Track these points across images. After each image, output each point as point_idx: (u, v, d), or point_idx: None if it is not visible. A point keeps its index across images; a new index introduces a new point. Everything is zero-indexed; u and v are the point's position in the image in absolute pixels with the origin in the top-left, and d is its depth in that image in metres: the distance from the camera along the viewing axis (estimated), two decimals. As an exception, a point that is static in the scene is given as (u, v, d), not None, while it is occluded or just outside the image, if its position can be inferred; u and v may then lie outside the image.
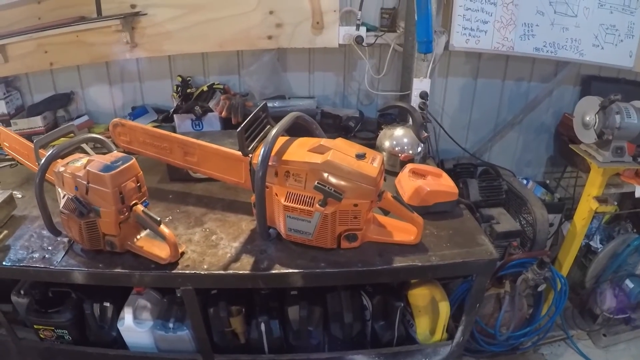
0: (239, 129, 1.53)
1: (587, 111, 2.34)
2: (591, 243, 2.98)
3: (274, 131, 1.49)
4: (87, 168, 1.49)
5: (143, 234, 1.66)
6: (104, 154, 1.64)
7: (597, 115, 2.28)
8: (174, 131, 2.25)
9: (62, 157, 1.64)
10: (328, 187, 1.46)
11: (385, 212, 1.71)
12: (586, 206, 2.50)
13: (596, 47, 2.70)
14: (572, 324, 2.95)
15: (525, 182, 3.01)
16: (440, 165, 2.71)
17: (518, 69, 2.94)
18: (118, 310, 1.87)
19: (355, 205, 1.52)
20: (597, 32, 2.67)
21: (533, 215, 2.57)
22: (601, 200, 2.44)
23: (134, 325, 1.82)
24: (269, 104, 1.74)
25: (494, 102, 3.04)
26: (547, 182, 3.24)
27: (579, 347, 2.81)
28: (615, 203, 2.52)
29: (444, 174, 1.96)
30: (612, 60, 2.76)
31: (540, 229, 2.55)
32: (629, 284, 2.78)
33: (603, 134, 2.27)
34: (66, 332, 1.89)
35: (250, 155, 1.60)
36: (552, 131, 3.17)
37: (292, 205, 1.52)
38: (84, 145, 1.90)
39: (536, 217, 2.56)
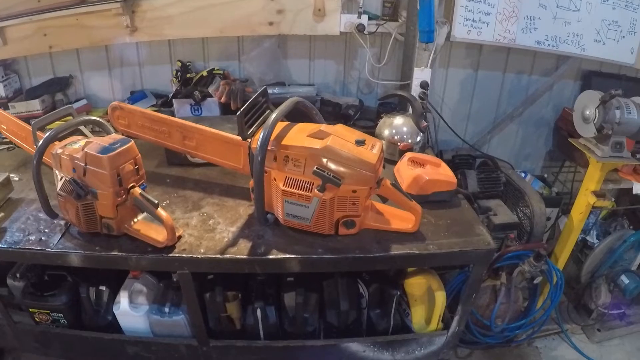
0: (239, 112, 1.52)
1: (588, 105, 2.34)
2: (588, 238, 2.98)
3: (273, 115, 1.48)
4: (85, 150, 1.49)
5: (140, 217, 1.65)
6: (103, 137, 1.63)
7: (597, 110, 2.28)
8: (173, 116, 2.24)
9: (60, 140, 1.64)
10: (327, 173, 1.45)
11: (384, 200, 1.71)
12: (584, 200, 2.50)
13: (598, 42, 2.70)
14: (567, 318, 2.96)
15: (523, 175, 3.01)
16: (439, 155, 2.71)
17: (519, 62, 2.93)
18: (114, 294, 1.88)
19: (354, 191, 1.51)
20: (599, 28, 2.67)
21: (531, 208, 2.57)
22: (599, 194, 2.44)
23: (130, 310, 1.82)
24: (269, 91, 1.72)
25: (494, 95, 3.04)
26: (546, 176, 3.24)
27: (573, 342, 2.82)
28: (613, 199, 2.52)
29: (443, 164, 1.96)
30: (614, 56, 2.76)
31: (537, 222, 2.55)
32: (624, 279, 2.79)
33: (602, 128, 2.27)
34: (62, 315, 1.89)
35: (249, 139, 1.60)
36: (552, 125, 3.17)
37: (290, 190, 1.52)
38: (82, 128, 1.89)
39: (534, 210, 2.55)
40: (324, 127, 1.56)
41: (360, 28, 2.51)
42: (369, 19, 2.54)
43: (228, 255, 1.56)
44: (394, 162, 2.08)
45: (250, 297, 1.88)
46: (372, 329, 1.97)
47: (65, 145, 1.57)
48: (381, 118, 2.37)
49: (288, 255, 1.57)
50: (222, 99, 2.48)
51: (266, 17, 2.51)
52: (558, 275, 2.46)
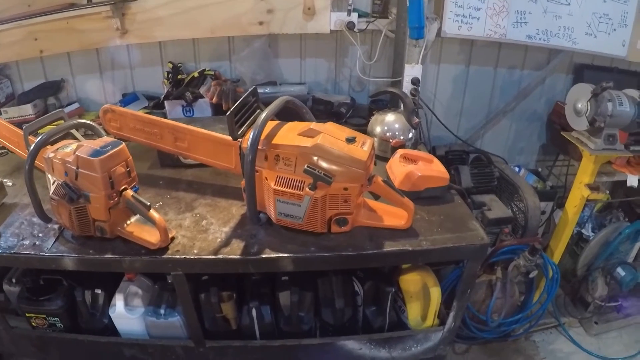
0: (229, 112, 1.53)
1: (579, 98, 2.34)
2: (583, 231, 3.00)
3: (263, 115, 1.48)
4: (77, 153, 1.48)
5: (133, 219, 1.65)
6: (94, 140, 1.63)
7: (589, 103, 2.28)
8: (165, 117, 2.24)
9: (52, 144, 1.63)
10: (318, 171, 1.45)
11: (376, 197, 1.71)
12: (578, 193, 2.51)
13: (589, 35, 2.70)
14: (563, 311, 2.97)
15: (517, 169, 3.02)
16: (432, 151, 2.71)
17: (511, 56, 2.94)
18: (109, 297, 1.87)
19: (345, 189, 1.51)
20: (590, 21, 2.67)
21: (525, 202, 2.58)
22: (593, 187, 2.44)
23: (125, 312, 1.82)
24: (260, 90, 1.73)
25: (487, 90, 3.05)
26: (539, 170, 3.25)
27: (571, 335, 2.83)
28: (607, 192, 2.53)
29: (435, 160, 1.96)
30: (605, 49, 2.76)
31: (532, 216, 2.55)
32: (620, 272, 2.80)
33: (595, 121, 2.27)
34: (58, 319, 1.88)
35: (240, 139, 1.60)
36: (545, 119, 3.18)
37: (282, 189, 1.51)
38: (74, 132, 1.89)
39: (528, 204, 2.56)
40: (314, 125, 1.56)
41: (350, 26, 2.51)
42: (359, 16, 2.54)
43: (221, 256, 1.56)
44: (386, 159, 2.07)
45: (245, 297, 1.88)
46: (368, 327, 1.97)
47: (57, 149, 1.56)
48: (373, 115, 2.36)
49: (281, 254, 1.57)
50: (214, 100, 2.48)
51: (256, 17, 2.51)
52: (554, 268, 2.47)
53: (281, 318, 1.91)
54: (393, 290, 1.88)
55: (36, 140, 1.58)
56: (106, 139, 1.59)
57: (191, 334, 1.85)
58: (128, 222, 1.64)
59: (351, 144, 1.52)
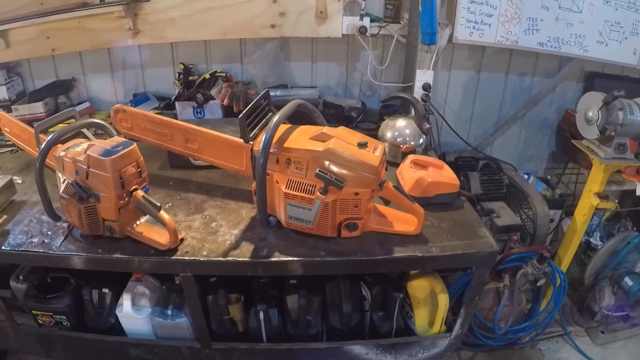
0: (241, 115, 1.52)
1: (590, 106, 2.33)
2: (591, 240, 2.98)
3: (275, 118, 1.48)
4: (88, 152, 1.49)
5: (143, 219, 1.65)
6: (105, 139, 1.63)
7: (600, 111, 2.27)
8: (175, 119, 2.24)
9: (63, 142, 1.64)
10: (329, 175, 1.45)
11: (386, 202, 1.71)
12: (587, 202, 2.49)
13: (600, 43, 2.70)
14: (570, 320, 2.94)
15: (526, 177, 3.01)
16: (442, 157, 2.70)
17: (521, 63, 2.93)
18: (117, 296, 1.87)
19: (356, 194, 1.51)
20: (601, 29, 2.66)
21: (534, 210, 2.57)
22: (602, 196, 2.43)
23: (133, 312, 1.82)
24: (271, 93, 1.73)
25: (497, 97, 3.04)
26: (549, 177, 3.24)
27: (577, 344, 2.81)
28: (616, 201, 2.51)
29: (446, 166, 1.96)
30: (616, 58, 2.75)
31: (540, 224, 2.54)
32: (628, 281, 2.78)
33: (605, 130, 2.26)
34: (64, 318, 1.89)
35: (251, 142, 1.60)
36: (555, 127, 3.17)
37: (292, 192, 1.51)
38: (85, 131, 1.89)
39: (537, 212, 2.55)
40: (326, 129, 1.56)
41: (362, 30, 2.52)
42: (371, 21, 2.55)
43: (230, 258, 1.56)
44: (397, 165, 2.07)
45: (253, 300, 1.87)
46: (375, 332, 1.96)
47: (68, 148, 1.57)
48: (384, 120, 2.36)
49: (290, 258, 1.57)
50: (225, 102, 2.48)
51: (268, 20, 2.51)
52: (561, 277, 2.46)
53: (288, 321, 1.91)
54: (401, 295, 1.88)
55: (47, 139, 1.58)
56: (117, 139, 1.59)
57: (198, 335, 1.85)
58: (138, 222, 1.64)
59: (363, 149, 1.52)
